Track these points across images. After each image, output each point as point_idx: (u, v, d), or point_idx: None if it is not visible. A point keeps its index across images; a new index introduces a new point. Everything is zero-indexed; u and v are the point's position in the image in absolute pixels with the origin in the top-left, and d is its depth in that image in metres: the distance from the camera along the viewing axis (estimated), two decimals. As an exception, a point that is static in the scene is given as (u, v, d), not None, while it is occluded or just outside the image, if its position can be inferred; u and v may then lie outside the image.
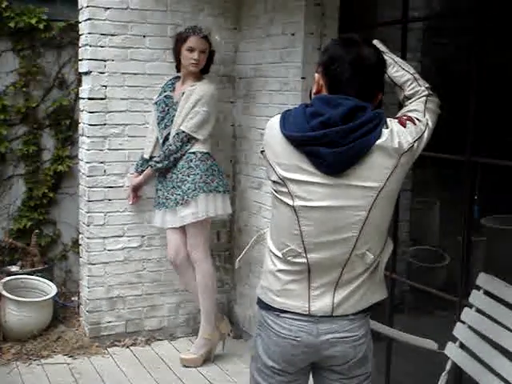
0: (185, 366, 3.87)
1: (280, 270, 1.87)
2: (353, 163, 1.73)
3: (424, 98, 1.98)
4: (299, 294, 1.86)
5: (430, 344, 2.59)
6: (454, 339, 2.64)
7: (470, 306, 2.63)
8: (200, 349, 3.90)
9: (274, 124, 1.82)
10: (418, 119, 1.86)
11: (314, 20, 3.59)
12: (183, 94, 3.79)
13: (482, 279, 2.61)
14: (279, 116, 1.82)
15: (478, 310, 2.58)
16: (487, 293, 2.56)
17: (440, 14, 3.90)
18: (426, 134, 1.86)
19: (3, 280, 4.18)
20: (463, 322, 2.63)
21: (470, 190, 2.91)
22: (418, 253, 4.27)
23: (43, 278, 4.36)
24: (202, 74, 3.87)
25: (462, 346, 2.60)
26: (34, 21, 4.49)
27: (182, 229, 3.84)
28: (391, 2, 3.58)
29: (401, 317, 3.73)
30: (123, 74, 4.04)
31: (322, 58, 1.83)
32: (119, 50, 4.02)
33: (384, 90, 1.89)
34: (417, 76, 2.06)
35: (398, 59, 2.13)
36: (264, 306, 1.92)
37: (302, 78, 3.61)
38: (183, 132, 3.75)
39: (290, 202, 1.79)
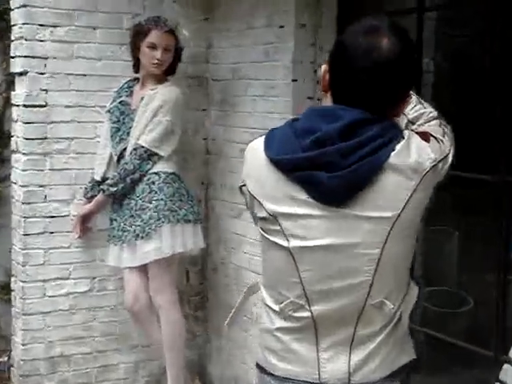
0: None
1: (279, 329, 1.86)
2: (358, 189, 1.71)
3: (437, 120, 1.98)
4: (305, 357, 1.84)
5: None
6: (492, 405, 2.64)
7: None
8: (166, 418, 3.89)
9: (256, 148, 1.81)
10: (440, 139, 1.85)
11: (307, 9, 3.63)
12: (142, 99, 3.82)
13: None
14: (262, 138, 1.81)
15: (524, 369, 2.58)
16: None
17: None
18: (450, 158, 1.85)
19: None
20: (503, 383, 2.61)
21: (504, 217, 2.92)
22: (435, 295, 4.26)
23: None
24: (166, 75, 3.91)
25: (503, 413, 2.59)
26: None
27: (143, 268, 3.85)
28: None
29: (416, 377, 3.68)
30: (68, 74, 4.03)
31: (334, 45, 1.80)
32: (63, 46, 4.00)
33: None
34: (420, 99, 2.07)
35: None
36: (264, 371, 1.92)
37: (293, 80, 3.64)
38: (142, 147, 3.78)
39: (285, 243, 1.77)
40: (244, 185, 1.85)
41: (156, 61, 3.79)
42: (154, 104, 3.78)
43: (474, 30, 4.08)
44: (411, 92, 1.91)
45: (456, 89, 4.19)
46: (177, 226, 3.77)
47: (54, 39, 3.98)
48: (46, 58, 3.98)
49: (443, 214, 4.24)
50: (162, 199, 3.76)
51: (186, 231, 3.82)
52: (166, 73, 3.90)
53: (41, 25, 3.94)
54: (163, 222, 3.74)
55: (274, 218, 1.77)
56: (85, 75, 4.07)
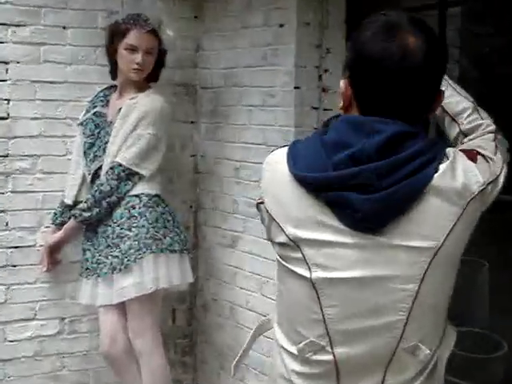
0: None
1: (295, 374, 1.83)
2: (396, 214, 1.68)
3: (491, 135, 1.96)
4: None
5: None
6: None
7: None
8: None
9: (277, 160, 1.80)
10: (489, 157, 1.83)
11: (311, 4, 3.56)
12: (120, 110, 3.75)
13: None
14: (285, 149, 1.79)
15: None
16: None
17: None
18: (501, 179, 1.82)
19: None
20: None
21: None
22: (462, 337, 4.04)
23: None
24: (147, 82, 3.84)
25: None
26: None
27: (121, 306, 3.74)
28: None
29: None
30: (34, 82, 3.95)
31: (350, 55, 1.77)
32: (28, 48, 3.92)
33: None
34: (477, 106, 2.07)
35: (449, 80, 2.12)
36: None
37: (296, 87, 3.58)
38: (120, 165, 3.70)
39: (306, 274, 1.74)
40: (262, 202, 1.84)
41: (136, 65, 3.69)
42: (134, 115, 3.70)
43: (505, 27, 3.91)
44: (471, 99, 2.01)
45: (484, 97, 4.04)
46: (161, 256, 3.67)
47: (17, 40, 3.90)
48: (8, 63, 3.90)
49: (471, 242, 4.09)
50: (143, 226, 3.66)
51: (172, 263, 3.71)
52: (148, 79, 3.82)
53: (2, 24, 3.86)
54: (145, 253, 3.63)
55: (295, 243, 1.75)
56: (53, 82, 3.98)
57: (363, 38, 1.72)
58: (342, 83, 1.77)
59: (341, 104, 1.79)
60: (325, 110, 3.58)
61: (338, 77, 3.04)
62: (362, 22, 1.75)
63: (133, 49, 3.67)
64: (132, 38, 3.67)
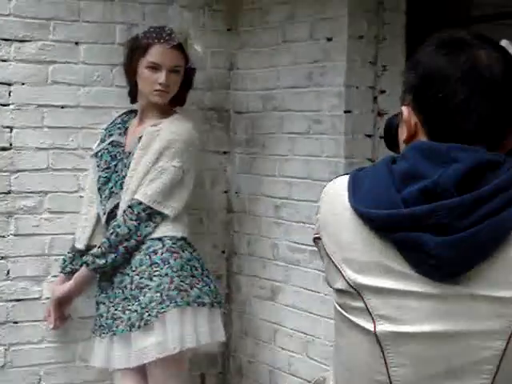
0: None
1: None
2: (478, 259, 1.62)
3: None
4: None
5: None
6: None
7: None
8: None
9: (336, 192, 1.78)
10: None
11: (365, 15, 3.58)
12: (140, 138, 3.72)
13: None
14: (345, 178, 1.76)
15: None
16: None
17: None
18: None
19: None
20: None
21: None
22: None
23: None
24: (172, 106, 3.82)
25: None
26: None
27: (142, 370, 3.64)
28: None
29: None
30: (41, 106, 3.92)
31: (410, 76, 1.77)
32: (34, 67, 3.90)
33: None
34: None
35: None
36: None
37: (346, 111, 3.55)
38: (140, 204, 3.65)
39: (370, 327, 1.70)
40: (319, 237, 1.81)
41: (159, 86, 3.65)
42: (157, 145, 3.65)
43: None
44: None
45: None
46: (187, 311, 3.58)
47: (21, 58, 3.88)
48: (11, 84, 3.89)
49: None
50: (166, 274, 3.58)
51: (200, 318, 3.62)
52: (173, 103, 3.79)
53: (4, 39, 3.86)
54: (168, 306, 3.54)
55: (356, 291, 1.72)
56: (63, 107, 3.97)
57: (423, 56, 1.74)
58: (405, 111, 1.75)
59: (405, 135, 1.74)
60: (381, 137, 3.48)
61: (396, 98, 2.97)
62: (425, 42, 1.75)
63: (155, 67, 3.64)
64: (154, 54, 3.65)
